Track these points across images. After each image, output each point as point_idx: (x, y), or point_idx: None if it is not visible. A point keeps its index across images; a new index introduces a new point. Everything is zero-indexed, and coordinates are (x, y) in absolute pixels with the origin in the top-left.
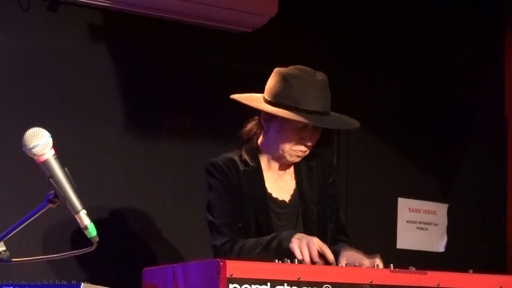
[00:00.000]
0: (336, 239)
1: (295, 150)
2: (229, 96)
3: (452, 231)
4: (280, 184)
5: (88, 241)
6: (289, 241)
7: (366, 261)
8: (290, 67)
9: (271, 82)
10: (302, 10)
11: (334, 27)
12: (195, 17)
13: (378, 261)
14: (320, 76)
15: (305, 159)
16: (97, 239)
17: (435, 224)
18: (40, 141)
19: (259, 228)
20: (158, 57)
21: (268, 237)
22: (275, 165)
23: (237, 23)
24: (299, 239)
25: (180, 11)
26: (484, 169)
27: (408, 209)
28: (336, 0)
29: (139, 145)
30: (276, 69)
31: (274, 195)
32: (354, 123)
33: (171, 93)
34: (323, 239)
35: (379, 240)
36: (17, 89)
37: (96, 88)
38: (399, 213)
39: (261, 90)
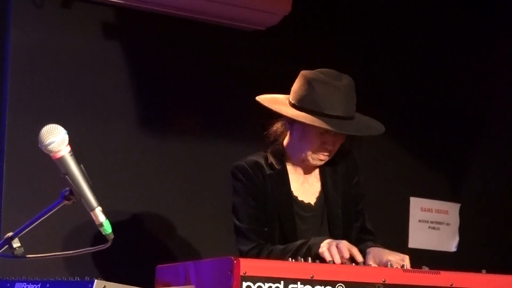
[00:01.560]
0: (362, 238)
1: (317, 154)
2: (242, 94)
3: (464, 230)
4: (305, 187)
5: (103, 238)
6: (319, 246)
7: (392, 257)
8: (315, 71)
9: (296, 85)
10: (316, 8)
11: (346, 26)
12: (208, 15)
13: (406, 260)
14: (345, 79)
15: (330, 160)
16: (112, 236)
17: (447, 224)
18: (56, 138)
19: (283, 232)
20: (171, 55)
21: (297, 244)
22: (300, 167)
23: (251, 21)
24: (329, 243)
25: (193, 8)
26: (496, 169)
27: (420, 209)
28: None
29: (152, 142)
30: (301, 72)
31: (300, 198)
32: (378, 128)
33: (183, 91)
34: (348, 240)
35: (391, 239)
36: (31, 86)
37: (110, 85)
38: (411, 212)
39: (274, 88)
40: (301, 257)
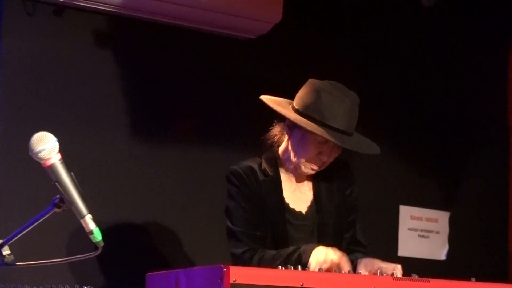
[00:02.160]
0: (351, 250)
1: (310, 163)
2: (234, 101)
3: (453, 239)
4: (297, 195)
5: (93, 246)
6: (309, 254)
7: (384, 265)
8: (324, 81)
9: (302, 91)
10: (306, 16)
11: (338, 33)
12: (199, 23)
13: (398, 269)
14: (352, 95)
15: (325, 169)
16: (102, 243)
17: (436, 232)
18: (46, 146)
19: (275, 239)
20: (162, 63)
21: (288, 250)
22: (293, 175)
23: (242, 29)
24: (318, 255)
25: (185, 17)
26: (486, 178)
27: (410, 217)
28: (340, 6)
29: (144, 150)
30: (310, 80)
31: (291, 206)
32: (375, 149)
33: (175, 99)
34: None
35: (381, 248)
36: (22, 94)
37: (102, 93)
38: (400, 220)
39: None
40: (292, 264)
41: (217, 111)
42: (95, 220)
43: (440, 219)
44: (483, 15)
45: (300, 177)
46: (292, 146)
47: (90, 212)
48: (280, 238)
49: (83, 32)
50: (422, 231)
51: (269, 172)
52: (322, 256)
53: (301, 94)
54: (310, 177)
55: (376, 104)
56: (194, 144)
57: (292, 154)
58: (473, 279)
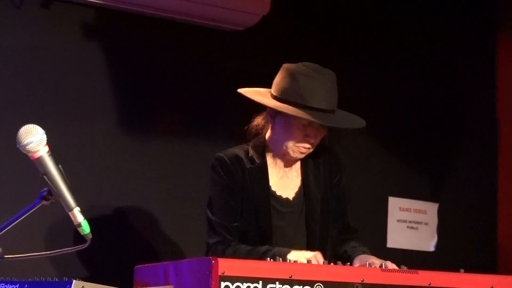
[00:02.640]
0: (343, 239)
1: (298, 147)
2: (223, 94)
3: (442, 230)
4: (285, 181)
5: (81, 238)
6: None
7: (377, 261)
8: (298, 64)
9: (278, 77)
10: (295, 8)
11: (326, 25)
12: (187, 15)
13: (389, 263)
14: (328, 73)
15: (313, 156)
16: (90, 236)
17: (425, 224)
18: (34, 138)
19: (259, 227)
20: (151, 55)
21: (262, 249)
22: (281, 160)
23: (230, 21)
24: (293, 256)
25: (173, 9)
26: (475, 169)
27: (398, 208)
28: None
29: (132, 143)
30: (284, 65)
31: (278, 193)
32: (360, 122)
33: (164, 91)
34: (324, 239)
35: (370, 239)
36: (10, 87)
37: (90, 86)
38: (389, 212)
39: (253, 87)
40: None
41: (205, 104)
42: (83, 212)
43: (429, 211)
44: (471, 7)
45: (288, 163)
46: (277, 133)
47: (78, 204)
48: (265, 227)
49: (71, 24)
50: (411, 223)
51: (256, 160)
52: (297, 256)
53: (278, 80)
54: (298, 164)
55: (365, 95)
56: (182, 136)
57: (279, 141)
58: (462, 270)
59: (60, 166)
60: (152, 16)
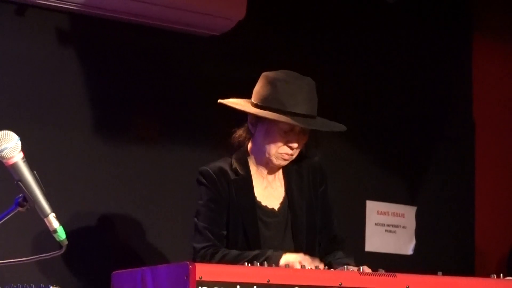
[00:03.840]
0: (330, 249)
1: (281, 153)
2: (198, 99)
3: (420, 233)
4: (269, 191)
5: (57, 245)
6: (277, 261)
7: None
8: (276, 71)
9: (258, 85)
10: (271, 13)
11: (303, 30)
12: (162, 20)
13: (366, 268)
14: (307, 80)
15: (295, 165)
16: (66, 242)
17: (403, 227)
18: (8, 144)
19: (247, 239)
20: (125, 61)
21: (253, 253)
22: (263, 170)
23: (205, 26)
24: (288, 259)
25: (147, 14)
26: (452, 172)
27: (376, 212)
28: (304, 3)
29: (107, 148)
30: (263, 73)
31: (263, 203)
32: (340, 127)
33: (140, 97)
34: (311, 249)
35: (348, 243)
36: None
37: (65, 92)
38: (367, 215)
39: (230, 94)
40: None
41: (180, 110)
42: (58, 218)
43: (406, 214)
44: (447, 8)
45: (271, 172)
46: (259, 141)
47: (53, 210)
48: (252, 237)
49: (46, 31)
50: (389, 226)
51: (240, 171)
52: (292, 259)
53: (257, 89)
54: (281, 173)
55: (340, 98)
56: (159, 142)
57: (260, 149)
58: (440, 273)
59: (35, 172)
60: (127, 22)
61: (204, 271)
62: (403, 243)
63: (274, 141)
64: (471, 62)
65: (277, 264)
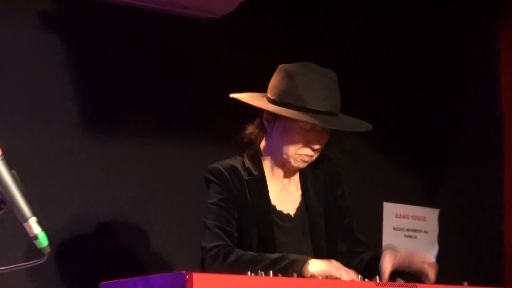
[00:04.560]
0: (354, 252)
1: (300, 155)
2: (196, 88)
3: (444, 239)
4: (284, 195)
5: (39, 252)
6: (302, 265)
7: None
8: (295, 64)
9: (275, 79)
10: None
11: (307, 13)
12: (157, 2)
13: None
14: (328, 73)
15: (311, 166)
16: (48, 249)
17: (425, 232)
18: None
19: (262, 243)
20: (117, 47)
21: (273, 256)
22: (279, 172)
23: (204, 9)
24: (318, 266)
25: None
26: (479, 171)
27: (394, 215)
28: None
29: (95, 144)
30: (280, 66)
31: (278, 208)
32: (366, 126)
33: (132, 86)
34: (332, 255)
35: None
36: None
37: (49, 81)
38: (384, 219)
39: (230, 80)
40: (276, 271)
41: (177, 101)
42: (40, 223)
43: (428, 217)
44: (473, 1)
45: (286, 174)
46: (276, 141)
47: (35, 214)
48: (268, 242)
49: (28, 14)
50: (409, 231)
51: (254, 171)
52: (325, 267)
53: (274, 83)
54: (297, 176)
55: (355, 91)
56: (151, 136)
57: (277, 150)
58: (465, 283)
59: (14, 171)
60: (118, 4)
61: (202, 281)
62: (425, 250)
63: (293, 141)
64: (498, 51)
65: (301, 271)
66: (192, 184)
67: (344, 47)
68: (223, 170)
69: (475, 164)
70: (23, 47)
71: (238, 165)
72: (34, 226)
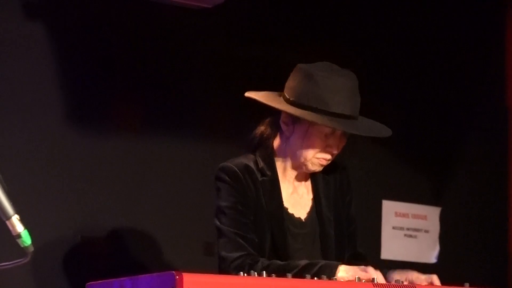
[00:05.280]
0: (353, 264)
1: (318, 158)
2: (188, 81)
3: (445, 238)
4: (295, 198)
5: (21, 252)
6: (334, 272)
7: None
8: (314, 64)
9: (294, 80)
10: None
11: (303, 2)
12: None
13: (435, 279)
14: (348, 74)
15: (322, 171)
16: (32, 249)
17: (425, 231)
18: None
19: (275, 247)
20: (105, 38)
21: (301, 263)
22: (291, 174)
23: None
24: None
25: None
26: (483, 167)
27: (394, 214)
28: None
29: (82, 140)
30: (298, 65)
31: (290, 211)
32: (386, 130)
33: (122, 79)
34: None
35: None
36: None
37: (34, 74)
38: (384, 218)
39: (223, 72)
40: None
41: (168, 92)
42: (23, 221)
43: (429, 216)
44: None
45: (299, 177)
46: (294, 144)
47: (17, 212)
48: (281, 247)
49: (11, 3)
50: (409, 230)
51: (267, 172)
52: (355, 272)
53: (293, 83)
54: (308, 178)
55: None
56: (141, 131)
57: (295, 153)
58: (467, 284)
59: None
60: None
61: (193, 282)
62: (425, 250)
63: (313, 145)
64: (503, 42)
65: (331, 277)
66: (186, 182)
67: (342, 39)
68: (237, 170)
69: (479, 160)
70: (6, 39)
71: (252, 165)
72: (17, 224)
